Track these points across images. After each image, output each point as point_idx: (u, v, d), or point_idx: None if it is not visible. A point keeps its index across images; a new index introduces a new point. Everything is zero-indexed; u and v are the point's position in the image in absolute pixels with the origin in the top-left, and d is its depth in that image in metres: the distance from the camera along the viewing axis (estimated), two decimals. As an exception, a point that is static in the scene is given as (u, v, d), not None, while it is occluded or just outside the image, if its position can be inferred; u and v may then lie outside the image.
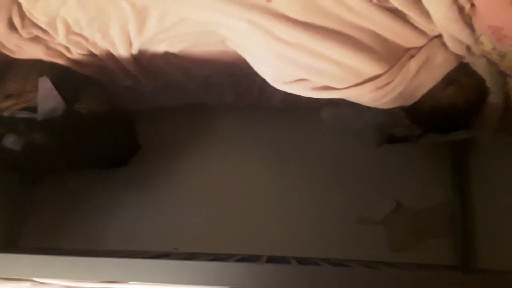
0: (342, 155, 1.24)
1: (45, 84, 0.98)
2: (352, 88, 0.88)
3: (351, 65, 0.84)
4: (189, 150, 1.27)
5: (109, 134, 1.10)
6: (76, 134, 1.05)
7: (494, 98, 0.84)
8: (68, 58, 1.00)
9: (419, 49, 0.85)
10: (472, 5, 0.74)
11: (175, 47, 0.99)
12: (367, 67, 0.84)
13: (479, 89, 0.86)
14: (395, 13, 0.83)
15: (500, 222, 1.00)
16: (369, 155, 1.21)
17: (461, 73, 0.86)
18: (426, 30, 0.84)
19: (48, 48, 1.00)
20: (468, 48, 0.82)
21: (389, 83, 0.86)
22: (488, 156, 1.04)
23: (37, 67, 1.02)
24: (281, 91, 1.15)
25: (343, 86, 0.89)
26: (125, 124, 1.19)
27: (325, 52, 0.83)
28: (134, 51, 0.99)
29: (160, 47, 0.99)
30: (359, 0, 0.80)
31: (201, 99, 1.23)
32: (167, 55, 1.01)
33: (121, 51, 0.98)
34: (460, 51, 0.83)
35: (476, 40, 0.79)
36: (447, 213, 1.17)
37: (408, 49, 0.86)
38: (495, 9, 0.70)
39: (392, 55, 0.87)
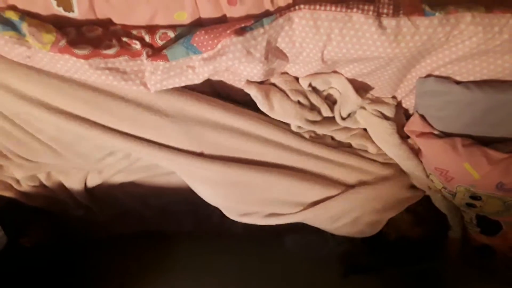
0: (307, 284, 1.17)
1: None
2: (305, 211, 0.87)
3: (298, 192, 0.85)
4: (144, 282, 1.17)
5: (53, 269, 1.01)
6: (18, 270, 0.96)
7: (453, 233, 0.85)
8: (17, 190, 0.95)
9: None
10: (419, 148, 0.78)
11: (132, 177, 0.97)
12: (315, 192, 0.85)
13: (443, 224, 0.87)
14: (351, 149, 0.86)
15: None
16: (335, 284, 1.15)
17: (430, 213, 0.87)
18: (385, 161, 0.87)
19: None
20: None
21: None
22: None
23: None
24: (243, 219, 1.13)
25: (295, 211, 0.88)
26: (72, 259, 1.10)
27: (268, 185, 0.84)
28: (89, 182, 0.96)
29: (117, 178, 0.97)
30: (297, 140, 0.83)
31: (158, 226, 1.17)
32: (123, 185, 0.98)
33: (75, 182, 0.95)
34: (421, 185, 0.85)
35: (427, 177, 0.82)
36: None
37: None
38: (438, 154, 0.73)
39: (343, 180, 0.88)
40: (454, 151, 0.71)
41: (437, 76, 0.71)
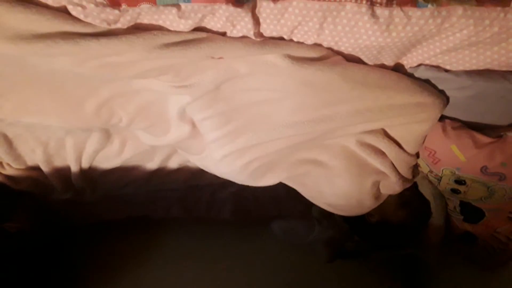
0: (294, 270, 1.18)
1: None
2: None
3: None
4: (130, 269, 1.16)
5: (39, 255, 0.99)
6: (2, 256, 0.94)
7: (435, 220, 0.87)
8: (1, 174, 0.93)
9: None
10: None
11: (124, 161, 0.96)
12: None
13: (426, 211, 0.89)
14: None
15: None
16: (321, 270, 1.17)
17: (415, 198, 0.89)
18: None
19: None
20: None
21: None
22: (439, 274, 1.04)
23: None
24: (230, 205, 1.13)
25: None
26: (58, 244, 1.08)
27: None
28: (85, 165, 0.95)
29: (110, 162, 0.96)
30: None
31: (146, 212, 1.16)
32: (116, 169, 0.98)
33: (70, 161, 0.94)
34: (407, 173, 0.85)
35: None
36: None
37: None
38: (429, 134, 0.76)
39: None
40: (444, 133, 0.73)
41: (427, 65, 0.72)
